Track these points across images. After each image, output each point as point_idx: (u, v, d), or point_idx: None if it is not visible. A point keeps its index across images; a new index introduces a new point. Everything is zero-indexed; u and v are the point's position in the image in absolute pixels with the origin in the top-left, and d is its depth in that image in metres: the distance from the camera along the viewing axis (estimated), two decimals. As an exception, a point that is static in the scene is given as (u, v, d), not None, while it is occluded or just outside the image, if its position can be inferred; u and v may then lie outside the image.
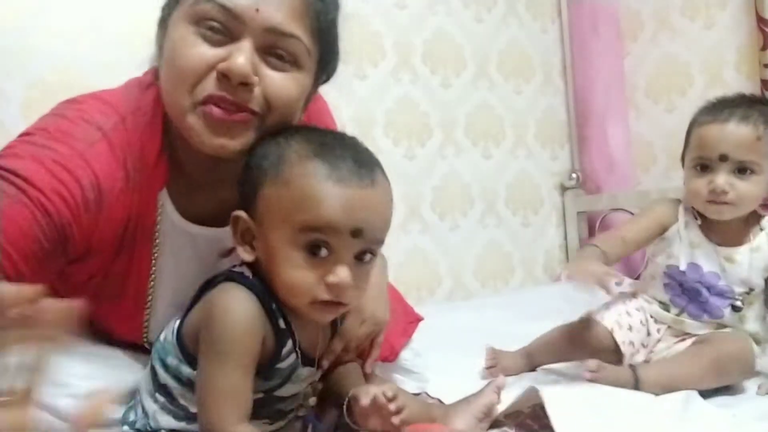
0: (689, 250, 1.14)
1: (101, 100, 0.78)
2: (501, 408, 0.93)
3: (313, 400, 0.84)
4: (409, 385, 1.08)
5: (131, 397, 0.85)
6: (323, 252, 0.69)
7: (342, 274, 0.69)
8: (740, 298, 1.12)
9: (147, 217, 0.79)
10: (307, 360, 0.80)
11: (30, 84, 1.60)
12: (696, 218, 1.15)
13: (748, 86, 2.36)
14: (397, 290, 1.12)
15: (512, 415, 0.94)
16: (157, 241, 0.81)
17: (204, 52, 0.69)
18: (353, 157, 0.72)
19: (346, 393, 0.82)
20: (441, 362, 1.25)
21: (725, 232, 1.14)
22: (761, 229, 1.13)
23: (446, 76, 2.42)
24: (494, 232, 2.51)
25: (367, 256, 0.73)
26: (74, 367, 0.80)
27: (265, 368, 0.75)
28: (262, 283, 0.73)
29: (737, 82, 2.40)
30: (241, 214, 0.73)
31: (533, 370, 1.27)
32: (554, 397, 0.87)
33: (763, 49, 2.26)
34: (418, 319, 1.12)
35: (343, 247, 0.69)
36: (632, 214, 2.50)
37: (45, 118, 0.77)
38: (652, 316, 1.18)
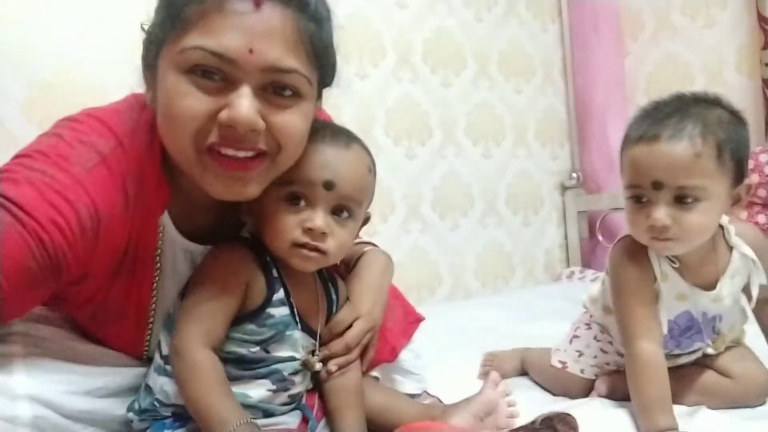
0: (676, 302, 0.96)
1: (99, 120, 0.76)
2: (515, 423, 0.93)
3: (320, 367, 0.86)
4: (409, 386, 1.08)
5: (134, 391, 0.86)
6: (301, 203, 0.77)
7: (317, 220, 0.76)
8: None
9: (147, 239, 0.78)
10: (305, 328, 0.84)
11: (30, 83, 1.60)
12: (673, 261, 0.95)
13: (749, 85, 2.36)
14: (397, 289, 1.12)
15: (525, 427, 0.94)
16: (158, 262, 0.81)
17: (201, 102, 0.65)
18: (332, 128, 0.82)
19: (341, 413, 0.86)
20: (441, 362, 1.26)
21: (700, 267, 0.96)
22: (730, 247, 0.97)
23: (446, 75, 2.42)
24: (494, 232, 2.51)
25: (344, 213, 0.79)
26: (76, 364, 0.82)
27: (257, 312, 0.79)
28: (259, 241, 0.80)
29: (738, 81, 2.40)
30: None
31: (527, 373, 1.26)
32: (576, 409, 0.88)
33: (764, 48, 2.26)
34: (419, 319, 1.11)
35: (318, 198, 0.76)
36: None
37: (43, 138, 0.75)
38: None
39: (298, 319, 0.82)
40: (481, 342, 1.48)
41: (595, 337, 1.13)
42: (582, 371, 1.12)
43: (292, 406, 0.86)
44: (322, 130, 0.80)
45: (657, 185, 0.87)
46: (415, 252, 2.27)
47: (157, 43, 0.69)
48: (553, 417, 0.84)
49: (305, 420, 0.86)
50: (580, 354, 1.13)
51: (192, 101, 0.65)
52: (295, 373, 0.84)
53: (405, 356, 1.06)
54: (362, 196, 0.81)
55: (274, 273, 0.80)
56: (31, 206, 0.66)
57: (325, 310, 0.88)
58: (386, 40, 2.25)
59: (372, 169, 0.84)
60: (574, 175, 2.65)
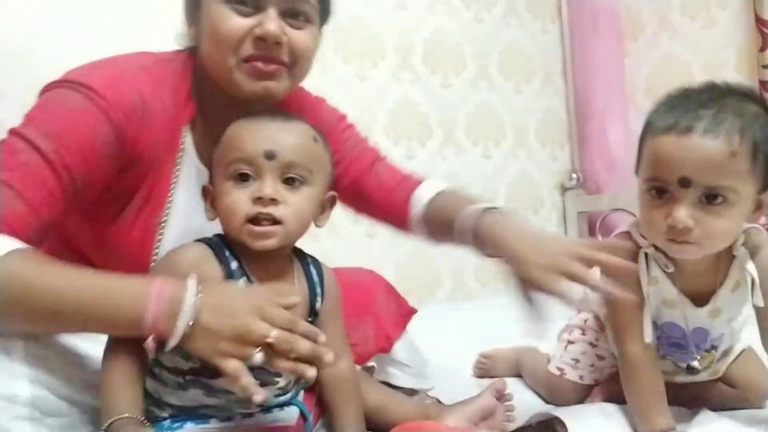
0: (664, 310, 0.91)
1: (143, 52, 0.95)
2: (512, 427, 0.93)
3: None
4: (403, 379, 1.09)
5: None
6: (249, 180, 0.79)
7: (265, 189, 0.78)
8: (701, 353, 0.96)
9: (172, 145, 0.91)
10: None
11: (30, 84, 1.59)
12: (666, 266, 0.88)
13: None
14: (389, 283, 1.14)
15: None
16: (177, 169, 0.92)
17: (240, 22, 0.86)
18: (272, 110, 0.86)
19: (339, 409, 0.87)
20: (441, 363, 1.25)
21: (697, 276, 0.89)
22: (734, 256, 0.88)
23: (446, 76, 2.42)
24: (494, 232, 2.51)
25: (296, 182, 0.81)
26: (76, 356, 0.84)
27: None
28: (219, 238, 0.82)
29: (737, 81, 2.40)
30: (206, 185, 0.84)
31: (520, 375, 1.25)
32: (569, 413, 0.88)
33: (762, 49, 2.26)
34: (412, 312, 1.13)
35: (262, 169, 0.79)
36: (633, 214, 2.50)
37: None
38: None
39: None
40: (481, 343, 1.48)
41: (590, 344, 1.10)
42: (581, 378, 1.09)
43: (285, 385, 0.85)
44: (261, 112, 0.84)
45: (685, 182, 0.78)
46: (416, 253, 2.27)
47: None
48: (550, 420, 0.84)
49: (304, 417, 0.87)
50: (577, 361, 1.11)
51: (233, 22, 0.85)
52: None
53: (399, 349, 1.08)
54: (311, 163, 0.82)
55: (233, 265, 0.80)
56: (99, 86, 0.84)
57: (306, 291, 0.86)
58: (386, 40, 2.25)
59: (318, 139, 0.85)
60: (574, 175, 2.65)
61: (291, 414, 0.86)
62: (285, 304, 0.74)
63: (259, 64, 0.87)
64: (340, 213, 1.20)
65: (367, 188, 1.09)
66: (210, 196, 0.83)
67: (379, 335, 1.04)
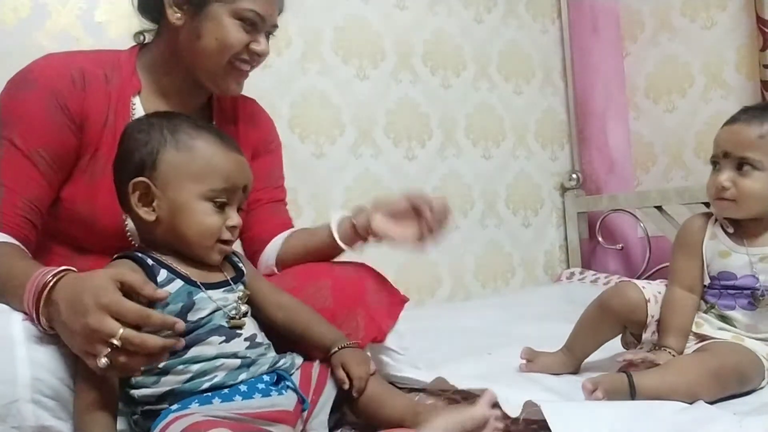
0: (720, 260, 1.16)
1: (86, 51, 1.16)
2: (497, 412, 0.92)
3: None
4: (393, 366, 1.11)
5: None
6: (224, 206, 0.89)
7: (237, 219, 0.91)
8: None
9: (123, 111, 1.07)
10: (214, 286, 0.91)
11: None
12: (728, 226, 1.17)
13: (748, 86, 2.37)
14: (380, 273, 1.15)
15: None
16: None
17: (243, 37, 1.08)
18: (218, 132, 0.95)
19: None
20: (441, 363, 1.25)
21: (755, 237, 1.16)
22: None
23: (446, 76, 2.42)
24: (494, 233, 2.51)
25: (242, 208, 0.95)
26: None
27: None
28: (142, 252, 0.89)
29: (737, 82, 2.40)
30: (142, 179, 0.87)
31: (576, 371, 1.22)
32: (554, 411, 0.86)
33: (763, 49, 2.26)
34: (403, 300, 1.15)
35: (235, 199, 0.91)
36: (632, 214, 2.50)
37: None
38: None
39: (199, 284, 0.87)
40: (481, 343, 1.48)
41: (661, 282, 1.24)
42: (643, 288, 1.18)
43: (262, 351, 0.91)
44: (215, 133, 0.92)
45: (726, 155, 1.14)
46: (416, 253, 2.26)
47: None
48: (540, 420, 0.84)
49: (302, 401, 0.88)
50: (649, 282, 1.22)
51: (240, 36, 1.08)
52: (235, 319, 0.89)
53: (390, 337, 1.11)
54: None
55: (150, 261, 0.86)
56: (39, 69, 1.04)
57: (231, 269, 0.95)
58: (386, 41, 2.25)
59: None
60: (574, 176, 2.65)
61: (289, 400, 0.87)
62: (146, 295, 0.78)
63: (245, 68, 1.12)
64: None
65: (254, 216, 1.22)
66: (146, 196, 0.87)
67: (370, 325, 1.07)
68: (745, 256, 1.14)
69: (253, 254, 1.21)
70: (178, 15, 1.08)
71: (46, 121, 1.00)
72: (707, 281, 1.18)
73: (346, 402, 0.95)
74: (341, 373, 0.93)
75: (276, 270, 1.18)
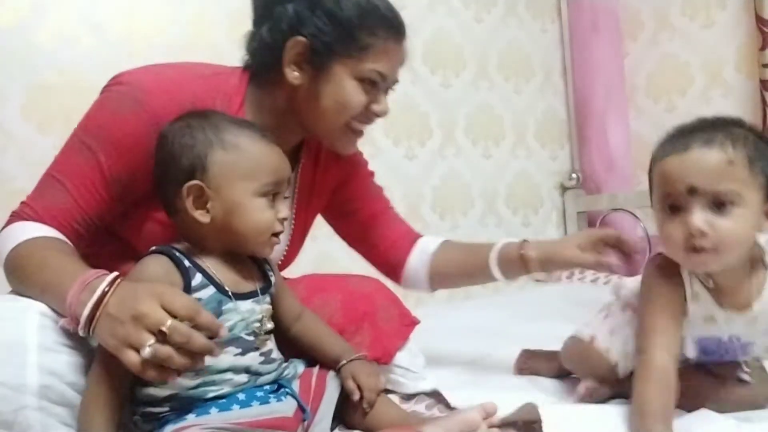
0: (704, 325, 0.95)
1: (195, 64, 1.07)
2: (496, 417, 0.92)
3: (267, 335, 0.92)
4: (406, 386, 1.10)
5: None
6: (273, 197, 0.90)
7: (286, 210, 0.92)
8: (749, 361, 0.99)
9: None
10: (243, 296, 0.89)
11: (30, 84, 1.60)
12: (708, 282, 0.93)
13: (748, 86, 2.37)
14: (393, 292, 1.14)
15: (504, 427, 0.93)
16: None
17: (363, 98, 1.03)
18: (254, 125, 0.94)
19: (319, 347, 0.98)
20: (441, 363, 1.26)
21: (735, 291, 0.93)
22: (766, 267, 0.93)
23: (446, 76, 2.42)
24: (494, 232, 2.51)
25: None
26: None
27: None
28: (178, 251, 0.87)
29: (737, 81, 2.40)
30: (196, 182, 0.85)
31: (568, 374, 1.19)
32: (551, 414, 0.86)
33: (762, 49, 2.26)
34: (414, 322, 1.13)
35: (282, 191, 0.92)
36: (632, 214, 2.50)
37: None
38: None
39: (230, 294, 0.86)
40: (481, 343, 1.48)
41: (629, 322, 1.06)
42: (607, 351, 1.05)
43: (274, 367, 0.90)
44: (254, 128, 0.92)
45: (692, 191, 0.85)
46: (415, 252, 2.26)
47: (327, 49, 1.01)
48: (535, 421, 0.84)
49: (302, 409, 0.88)
50: (613, 333, 1.07)
51: (362, 97, 1.03)
52: (254, 333, 0.88)
53: (402, 356, 1.09)
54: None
55: (187, 263, 0.85)
56: (153, 91, 0.95)
57: (261, 276, 0.94)
58: (386, 40, 2.25)
59: None
60: (574, 175, 2.65)
61: (288, 406, 0.87)
62: (199, 322, 0.75)
63: (362, 128, 1.08)
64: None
65: (374, 233, 1.26)
66: (200, 199, 0.86)
67: (375, 345, 1.05)
68: (730, 320, 0.93)
69: (393, 268, 1.27)
70: (297, 74, 1.02)
71: (140, 151, 0.93)
72: (692, 354, 0.96)
73: (344, 412, 0.95)
74: (351, 384, 0.93)
75: (430, 288, 1.27)
